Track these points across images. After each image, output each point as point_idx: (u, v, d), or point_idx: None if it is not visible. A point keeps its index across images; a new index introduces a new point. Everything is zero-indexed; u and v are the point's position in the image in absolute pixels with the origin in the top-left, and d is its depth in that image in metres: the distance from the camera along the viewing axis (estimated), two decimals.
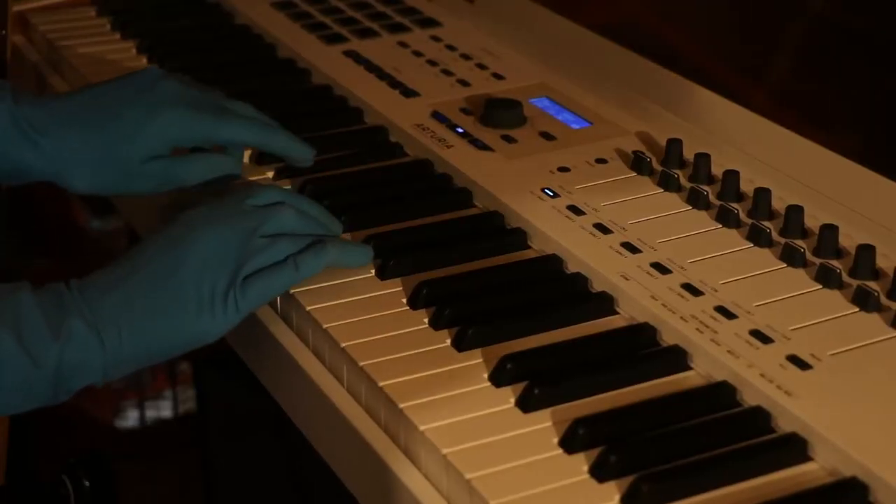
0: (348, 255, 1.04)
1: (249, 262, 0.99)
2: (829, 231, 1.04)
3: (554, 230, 1.08)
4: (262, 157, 1.23)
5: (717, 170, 1.14)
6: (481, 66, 1.40)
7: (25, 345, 0.92)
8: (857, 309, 0.97)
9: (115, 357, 0.96)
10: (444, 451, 0.85)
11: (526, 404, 0.89)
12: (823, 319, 0.96)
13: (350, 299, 1.02)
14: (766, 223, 1.07)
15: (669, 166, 1.16)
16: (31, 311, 0.93)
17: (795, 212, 1.06)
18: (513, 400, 0.90)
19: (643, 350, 0.96)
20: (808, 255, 1.03)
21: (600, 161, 1.19)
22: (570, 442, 0.86)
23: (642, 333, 0.98)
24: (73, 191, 1.13)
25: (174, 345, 0.98)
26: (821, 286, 1.00)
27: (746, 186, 1.12)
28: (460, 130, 1.26)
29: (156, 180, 1.13)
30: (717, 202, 1.10)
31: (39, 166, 1.11)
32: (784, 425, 0.88)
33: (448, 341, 0.97)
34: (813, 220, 1.07)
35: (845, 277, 1.00)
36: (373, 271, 1.06)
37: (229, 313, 0.98)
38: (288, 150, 1.18)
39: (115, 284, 0.97)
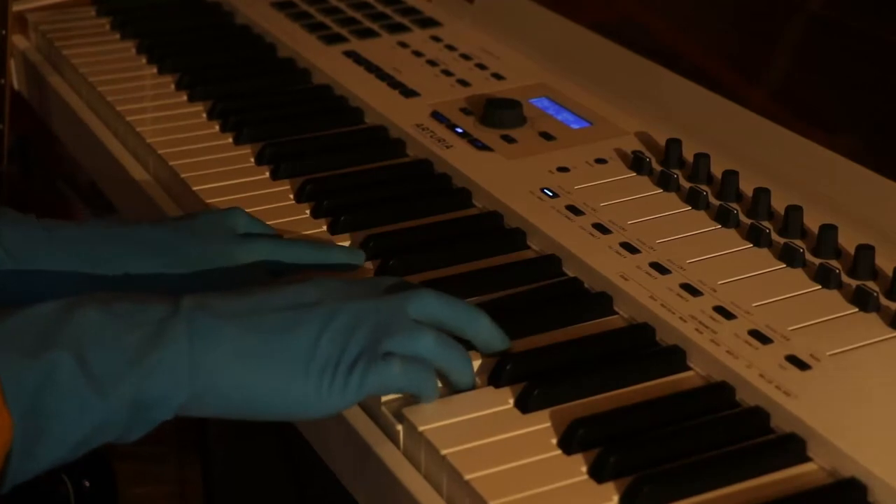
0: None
1: (392, 337, 0.87)
2: (829, 231, 1.04)
3: (553, 230, 1.08)
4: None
5: (716, 170, 1.14)
6: (481, 66, 1.40)
7: (91, 374, 0.80)
8: (856, 309, 0.97)
9: (201, 394, 0.83)
10: (444, 451, 0.85)
11: (525, 405, 0.89)
12: (822, 320, 0.96)
13: None
14: (766, 223, 1.07)
15: (669, 166, 1.16)
16: (98, 336, 0.81)
17: (794, 212, 1.06)
18: (512, 400, 0.90)
19: (642, 350, 0.96)
20: (808, 256, 1.03)
21: (600, 161, 1.19)
22: (570, 442, 0.86)
23: (641, 334, 0.98)
24: None
25: (272, 407, 0.85)
26: (820, 286, 1.00)
27: (745, 186, 1.12)
28: (460, 130, 1.26)
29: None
30: (717, 202, 1.10)
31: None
32: (783, 425, 0.87)
33: None
34: (812, 220, 1.07)
35: (844, 277, 1.00)
36: (373, 272, 1.06)
37: (349, 391, 0.85)
38: (342, 259, 1.05)
39: (237, 317, 0.85)
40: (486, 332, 0.94)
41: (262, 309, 0.86)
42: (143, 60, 1.47)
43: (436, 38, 1.48)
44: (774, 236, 1.06)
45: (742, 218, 1.08)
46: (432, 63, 1.41)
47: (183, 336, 0.82)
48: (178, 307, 0.84)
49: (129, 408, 0.81)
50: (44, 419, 0.79)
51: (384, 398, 0.91)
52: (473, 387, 0.92)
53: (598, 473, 0.83)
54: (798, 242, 1.04)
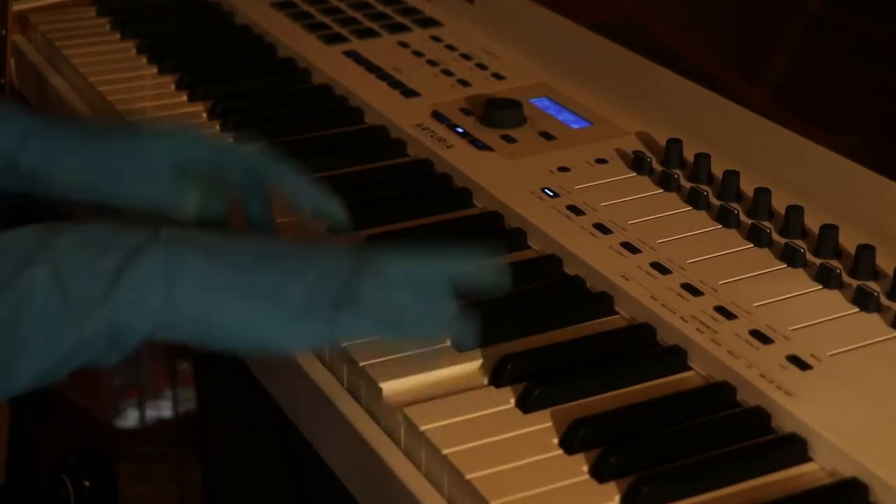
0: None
1: (362, 281, 0.89)
2: (829, 231, 1.04)
3: (554, 230, 1.08)
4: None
5: (717, 170, 1.14)
6: (481, 66, 1.40)
7: (68, 296, 0.83)
8: (857, 309, 0.97)
9: (171, 319, 0.86)
10: (445, 451, 0.85)
11: (526, 404, 0.89)
12: (823, 320, 0.96)
13: None
14: (766, 223, 1.07)
15: (669, 166, 1.16)
16: (75, 259, 0.84)
17: (795, 212, 1.06)
18: (513, 400, 0.90)
19: (643, 350, 0.96)
20: (808, 256, 1.03)
21: (600, 161, 1.19)
22: (571, 442, 0.86)
23: (642, 333, 0.98)
24: (53, 192, 1.05)
25: (240, 337, 0.88)
26: (821, 286, 1.00)
27: (746, 186, 1.12)
28: (460, 130, 1.26)
29: (147, 193, 1.05)
30: (717, 202, 1.10)
31: (24, 162, 1.04)
32: (784, 425, 0.88)
33: (448, 341, 0.97)
34: (813, 220, 1.07)
35: (845, 277, 1.00)
36: None
37: (319, 329, 0.88)
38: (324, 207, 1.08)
39: (215, 253, 0.88)
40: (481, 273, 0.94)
41: (238, 250, 0.89)
42: (144, 60, 1.47)
43: (436, 38, 1.48)
44: (775, 236, 1.06)
45: (743, 218, 1.08)
46: (433, 63, 1.41)
47: (160, 261, 0.85)
48: (157, 234, 0.87)
49: (105, 330, 0.84)
50: (19, 340, 0.82)
51: (382, 382, 0.91)
52: (471, 346, 0.94)
53: (600, 473, 0.83)
54: (799, 242, 1.04)
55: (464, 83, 1.36)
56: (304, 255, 0.90)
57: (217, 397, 1.57)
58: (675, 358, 0.95)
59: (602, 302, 1.01)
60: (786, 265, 1.03)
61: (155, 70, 1.44)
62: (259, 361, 1.08)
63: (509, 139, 1.23)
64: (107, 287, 0.83)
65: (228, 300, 0.87)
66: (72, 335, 0.83)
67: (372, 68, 1.40)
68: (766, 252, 1.05)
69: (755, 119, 1.18)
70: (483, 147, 1.22)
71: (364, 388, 0.94)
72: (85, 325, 0.83)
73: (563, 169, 1.18)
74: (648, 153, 1.18)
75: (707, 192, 1.11)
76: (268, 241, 0.94)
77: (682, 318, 0.97)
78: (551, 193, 1.14)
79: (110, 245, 0.85)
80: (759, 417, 0.89)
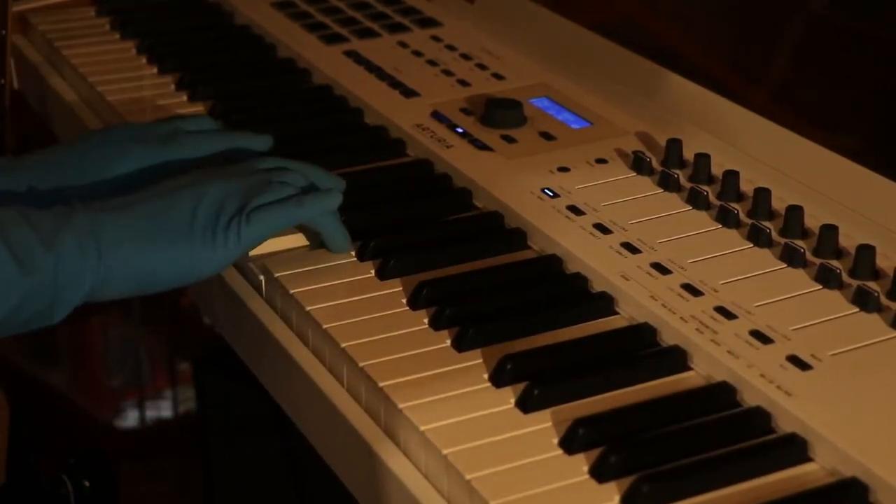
0: (339, 227, 1.08)
1: (256, 197, 1.02)
2: (829, 231, 1.04)
3: (554, 230, 1.08)
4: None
5: (717, 170, 1.14)
6: (481, 66, 1.40)
7: (14, 253, 0.93)
8: (857, 309, 0.97)
9: (106, 275, 0.97)
10: (445, 451, 0.85)
11: (526, 404, 0.89)
12: (823, 320, 0.96)
13: (350, 299, 1.02)
14: (766, 223, 1.07)
15: (669, 166, 1.16)
16: (18, 224, 0.95)
17: (795, 212, 1.06)
18: (513, 400, 0.90)
19: (643, 350, 0.96)
20: (808, 256, 1.03)
21: (600, 161, 1.19)
22: (570, 442, 0.86)
23: (642, 334, 0.98)
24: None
25: (169, 274, 1.00)
26: (821, 286, 1.00)
27: (746, 186, 1.12)
28: (460, 130, 1.26)
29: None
30: (717, 202, 1.10)
31: None
32: (784, 425, 0.88)
33: (448, 341, 0.97)
34: (813, 221, 1.07)
35: (845, 278, 1.00)
36: (373, 271, 1.06)
37: (230, 244, 1.00)
38: (249, 145, 1.18)
39: (122, 207, 1.00)
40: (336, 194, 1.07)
41: (143, 199, 1.01)
42: (143, 60, 1.47)
43: (436, 38, 1.48)
44: (775, 236, 1.06)
45: (743, 218, 1.09)
46: (432, 63, 1.41)
47: (86, 225, 0.97)
48: (73, 206, 0.99)
49: (49, 286, 0.95)
50: None
51: (382, 382, 0.91)
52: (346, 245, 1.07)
53: (599, 473, 0.83)
54: (799, 242, 1.04)
55: (464, 83, 1.36)
56: (202, 184, 1.02)
57: (217, 397, 1.58)
58: (676, 358, 0.95)
59: (602, 302, 1.01)
60: (786, 265, 1.03)
61: (155, 70, 1.45)
62: (259, 361, 1.08)
63: (509, 139, 1.23)
64: (48, 245, 0.95)
65: (146, 246, 0.98)
66: (19, 287, 0.93)
67: (372, 68, 1.41)
68: (766, 252, 1.05)
69: (755, 119, 1.18)
70: (483, 147, 1.22)
71: (364, 389, 0.94)
72: (32, 284, 0.94)
73: (563, 169, 1.18)
74: (648, 153, 1.18)
75: (707, 192, 1.11)
76: (168, 182, 1.03)
77: (682, 318, 0.97)
78: (551, 193, 1.14)
79: (42, 215, 0.97)
80: (760, 417, 0.89)
